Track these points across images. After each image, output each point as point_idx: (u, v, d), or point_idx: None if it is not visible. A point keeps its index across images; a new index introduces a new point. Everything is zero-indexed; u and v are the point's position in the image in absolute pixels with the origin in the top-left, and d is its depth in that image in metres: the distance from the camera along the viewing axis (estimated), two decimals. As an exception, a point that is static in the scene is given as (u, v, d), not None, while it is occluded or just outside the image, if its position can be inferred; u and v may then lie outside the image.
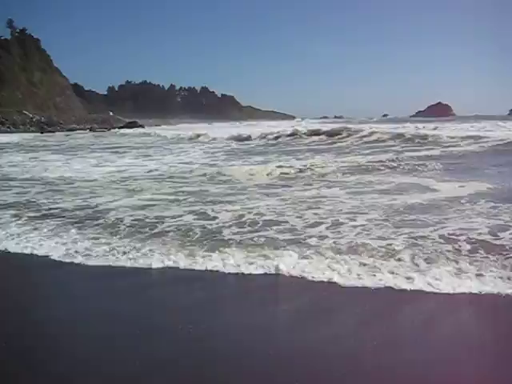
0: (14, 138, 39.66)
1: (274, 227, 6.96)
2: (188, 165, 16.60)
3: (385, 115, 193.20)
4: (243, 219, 7.48)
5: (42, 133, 48.74)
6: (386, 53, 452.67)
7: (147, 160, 19.19)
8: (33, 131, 52.95)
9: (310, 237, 6.41)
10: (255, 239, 6.38)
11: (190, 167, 15.68)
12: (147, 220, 7.63)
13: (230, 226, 7.09)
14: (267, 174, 12.98)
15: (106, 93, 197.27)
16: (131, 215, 7.96)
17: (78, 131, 55.21)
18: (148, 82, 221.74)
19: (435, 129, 28.31)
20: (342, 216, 7.50)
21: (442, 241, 6.07)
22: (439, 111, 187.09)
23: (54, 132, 50.56)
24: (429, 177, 11.60)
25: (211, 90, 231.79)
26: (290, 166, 14.25)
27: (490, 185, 9.84)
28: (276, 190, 10.45)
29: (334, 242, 6.14)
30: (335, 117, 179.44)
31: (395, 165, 13.82)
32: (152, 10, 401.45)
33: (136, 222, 7.49)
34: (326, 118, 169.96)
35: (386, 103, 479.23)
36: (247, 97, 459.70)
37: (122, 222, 7.56)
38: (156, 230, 7.01)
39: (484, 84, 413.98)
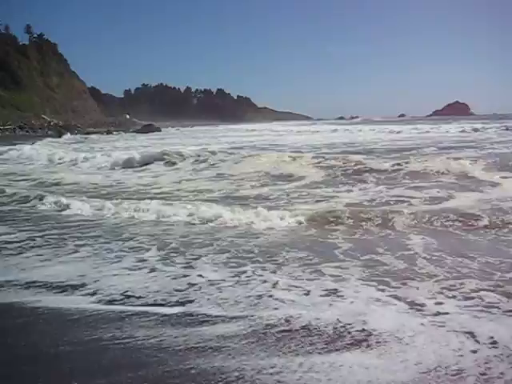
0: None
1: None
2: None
3: (401, 115, 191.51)
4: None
5: (59, 136, 48.84)
6: (402, 53, 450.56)
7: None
8: (51, 135, 53.24)
9: None
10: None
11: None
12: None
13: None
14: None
15: (122, 96, 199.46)
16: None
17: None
18: (164, 84, 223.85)
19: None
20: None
21: None
22: (457, 110, 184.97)
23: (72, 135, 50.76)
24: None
25: (227, 92, 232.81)
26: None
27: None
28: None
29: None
30: (351, 117, 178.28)
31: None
32: (167, 13, 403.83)
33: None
34: (342, 118, 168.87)
35: (403, 103, 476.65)
36: (263, 98, 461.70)
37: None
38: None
39: (503, 82, 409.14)
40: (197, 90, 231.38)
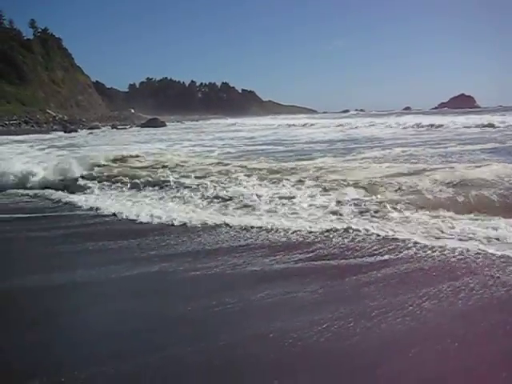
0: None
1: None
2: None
3: (407, 108, 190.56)
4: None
5: (65, 132, 49.03)
6: (407, 47, 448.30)
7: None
8: (56, 129, 53.39)
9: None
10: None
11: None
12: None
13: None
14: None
15: (127, 90, 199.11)
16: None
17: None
18: (168, 78, 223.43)
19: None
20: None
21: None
22: (462, 103, 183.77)
23: (76, 130, 50.90)
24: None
25: (231, 86, 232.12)
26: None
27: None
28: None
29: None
30: (356, 110, 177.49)
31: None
32: (173, 8, 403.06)
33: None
34: (347, 111, 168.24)
35: (408, 96, 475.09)
36: (268, 92, 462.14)
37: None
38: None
39: (509, 74, 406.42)
40: (201, 83, 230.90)
